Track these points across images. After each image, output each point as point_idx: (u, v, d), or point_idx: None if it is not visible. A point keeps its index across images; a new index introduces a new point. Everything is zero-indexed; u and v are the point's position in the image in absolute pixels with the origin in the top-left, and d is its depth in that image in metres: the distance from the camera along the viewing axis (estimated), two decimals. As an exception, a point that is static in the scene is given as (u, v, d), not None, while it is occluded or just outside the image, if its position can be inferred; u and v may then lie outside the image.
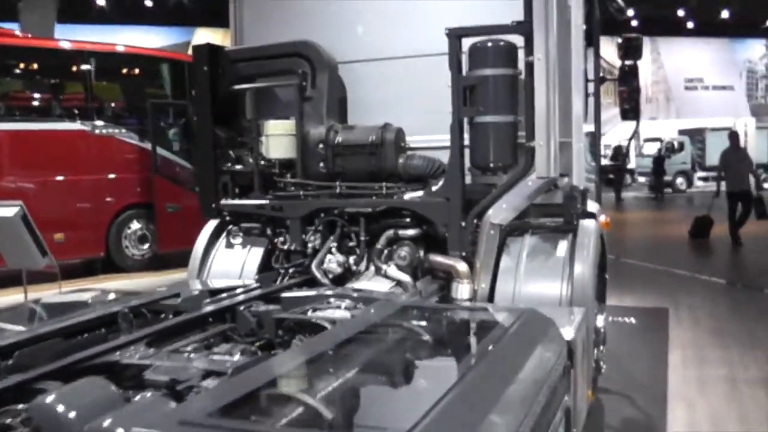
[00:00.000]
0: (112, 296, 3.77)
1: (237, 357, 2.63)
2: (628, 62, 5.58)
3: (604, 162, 28.65)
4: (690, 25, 34.78)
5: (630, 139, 5.82)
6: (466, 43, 4.17)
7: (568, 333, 3.24)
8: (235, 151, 4.91)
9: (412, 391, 2.31)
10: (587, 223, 4.23)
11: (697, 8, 32.00)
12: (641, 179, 29.30)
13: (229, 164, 4.89)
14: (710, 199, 14.38)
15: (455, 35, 4.10)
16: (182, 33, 31.29)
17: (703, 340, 6.70)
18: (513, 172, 4.15)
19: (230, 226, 4.96)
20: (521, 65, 4.11)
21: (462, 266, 4.09)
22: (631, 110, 5.69)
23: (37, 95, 12.49)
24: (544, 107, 3.94)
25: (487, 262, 4.12)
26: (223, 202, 4.88)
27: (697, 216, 14.13)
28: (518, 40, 4.11)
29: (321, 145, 4.57)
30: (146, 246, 11.79)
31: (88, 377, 2.32)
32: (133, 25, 28.71)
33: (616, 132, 33.15)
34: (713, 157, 28.83)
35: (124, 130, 11.74)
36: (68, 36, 22.17)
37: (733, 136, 14.07)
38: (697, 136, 30.07)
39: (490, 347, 2.48)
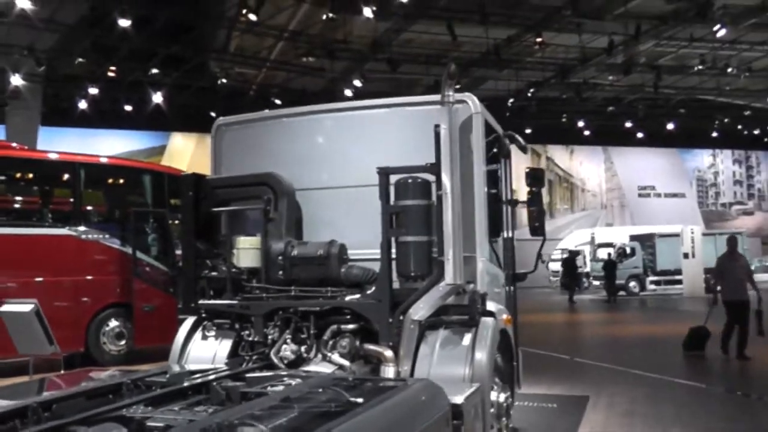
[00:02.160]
0: (116, 373, 4.84)
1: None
2: (534, 189, 6.75)
3: (557, 267, 30.05)
4: (640, 135, 36.87)
5: (538, 253, 6.93)
6: (394, 178, 5.42)
7: (458, 399, 4.41)
8: (211, 261, 6.05)
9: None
10: (486, 320, 5.40)
11: (645, 120, 34.18)
12: (596, 282, 30.69)
13: (207, 271, 6.02)
14: (706, 307, 13.23)
15: (384, 172, 5.34)
16: (158, 137, 32.65)
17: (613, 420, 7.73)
18: (429, 280, 5.31)
19: (205, 322, 6.01)
20: (434, 197, 5.35)
21: (389, 353, 5.20)
22: (538, 228, 6.87)
23: (27, 201, 13.59)
24: (451, 230, 5.18)
25: (408, 350, 5.25)
26: (200, 302, 5.97)
27: (692, 327, 12.71)
28: (432, 177, 5.36)
29: (280, 257, 5.73)
30: (123, 342, 12.64)
31: (105, 424, 3.40)
32: (112, 129, 29.95)
33: (572, 237, 34.88)
34: (664, 262, 30.44)
35: (107, 235, 12.80)
36: (50, 138, 23.49)
37: (732, 240, 12.56)
38: (647, 241, 31.67)
39: (383, 402, 3.59)
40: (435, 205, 5.31)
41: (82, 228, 12.50)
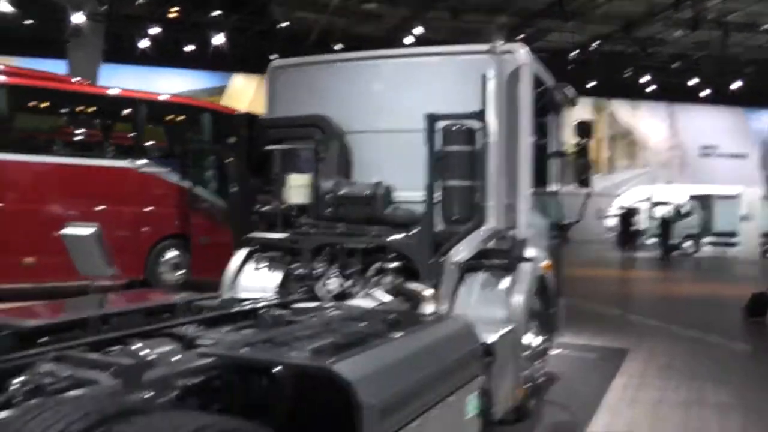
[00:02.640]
0: (173, 294, 5.17)
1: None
2: (581, 141, 6.86)
3: (613, 223, 29.83)
4: (705, 93, 35.94)
5: (583, 204, 7.01)
6: (441, 124, 5.58)
7: (490, 337, 4.63)
8: (263, 197, 6.34)
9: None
10: (525, 265, 5.58)
11: (711, 77, 33.26)
12: (651, 240, 30.38)
13: (259, 206, 6.31)
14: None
15: (431, 119, 5.51)
16: (219, 78, 32.95)
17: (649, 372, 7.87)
18: (471, 224, 5.51)
19: (256, 254, 6.33)
20: (479, 144, 5.50)
21: (428, 292, 5.42)
22: (585, 180, 6.99)
23: (90, 134, 14.11)
24: (494, 177, 5.34)
25: (447, 290, 5.47)
26: (252, 234, 6.28)
27: (754, 292, 12.39)
28: (478, 125, 5.51)
29: (329, 195, 5.99)
30: (180, 272, 13.20)
31: (158, 339, 3.71)
32: (173, 68, 30.31)
33: (630, 194, 34.41)
34: (721, 224, 29.98)
35: (166, 169, 13.26)
36: (111, 75, 24.00)
37: None
38: (705, 202, 31.18)
39: (416, 332, 3.83)
40: (480, 152, 5.46)
41: (142, 161, 12.94)
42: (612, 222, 30.71)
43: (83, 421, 2.07)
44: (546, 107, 6.46)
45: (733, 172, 37.96)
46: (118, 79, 17.98)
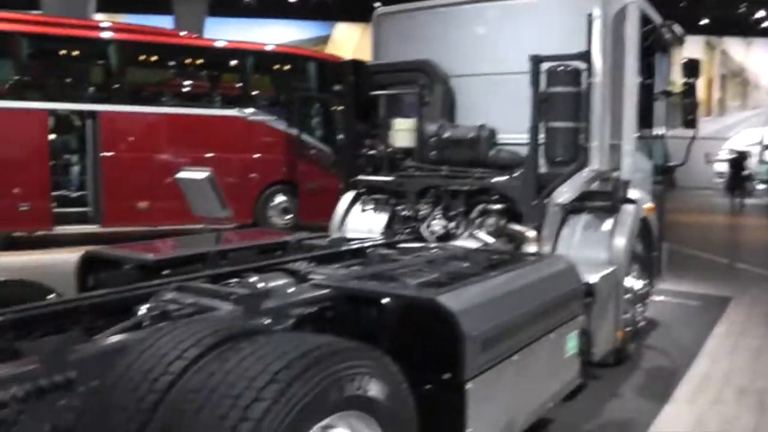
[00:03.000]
0: (284, 234, 5.48)
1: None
2: (689, 80, 6.73)
3: (723, 168, 28.68)
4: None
5: (688, 146, 6.88)
6: (545, 66, 5.60)
7: (593, 278, 4.73)
8: (369, 141, 6.55)
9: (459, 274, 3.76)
10: (627, 207, 5.59)
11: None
12: (761, 186, 29.07)
13: (365, 150, 6.53)
14: None
15: (536, 60, 5.54)
16: (323, 27, 33.23)
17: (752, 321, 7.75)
18: (574, 165, 5.56)
19: (363, 196, 6.58)
20: (584, 84, 5.51)
21: (531, 233, 5.53)
22: (691, 120, 6.87)
23: (200, 85, 14.66)
24: (599, 118, 5.36)
25: (550, 232, 5.55)
26: (359, 177, 6.52)
27: None
28: (583, 65, 5.50)
29: (433, 138, 6.14)
30: (288, 217, 13.70)
31: (273, 273, 3.99)
32: (277, 19, 30.83)
33: (740, 137, 32.93)
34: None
35: (273, 118, 13.69)
36: (216, 28, 24.59)
37: None
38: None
39: (519, 269, 3.98)
40: (584, 92, 5.48)
41: (249, 110, 13.39)
42: (721, 167, 29.47)
43: (212, 337, 2.34)
44: (653, 46, 6.35)
45: None
46: (223, 32, 18.47)
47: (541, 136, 5.63)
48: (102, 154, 12.15)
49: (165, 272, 4.09)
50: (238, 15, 28.44)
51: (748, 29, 34.83)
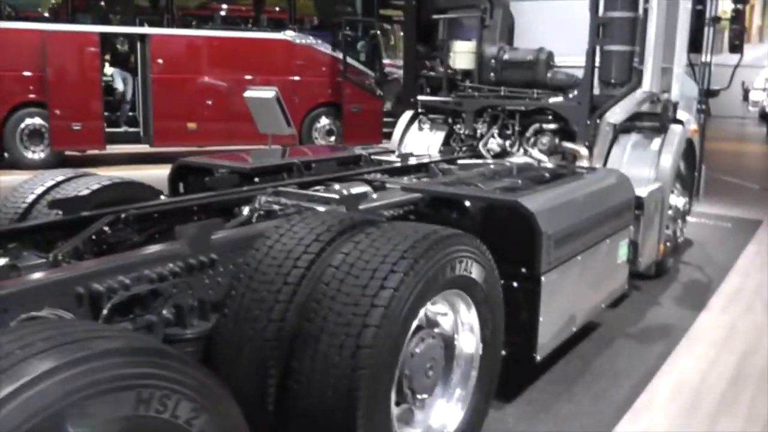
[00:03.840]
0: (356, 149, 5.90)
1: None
2: (738, 6, 6.91)
3: (758, 97, 28.29)
4: None
5: (733, 70, 7.11)
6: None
7: (642, 192, 5.10)
8: (429, 62, 6.86)
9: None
10: (675, 128, 5.91)
11: None
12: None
13: (425, 71, 6.85)
14: None
15: (595, -14, 5.78)
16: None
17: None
18: (627, 87, 5.83)
19: (421, 116, 6.92)
20: (641, 9, 5.75)
21: (584, 151, 5.87)
22: (738, 46, 7.08)
23: (246, 9, 14.90)
24: (653, 41, 5.62)
25: (602, 150, 5.90)
26: (419, 97, 6.86)
27: None
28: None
29: (493, 60, 6.43)
30: (332, 138, 14.07)
31: (353, 182, 4.40)
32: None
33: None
34: None
35: (319, 41, 13.94)
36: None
37: None
38: None
39: (577, 180, 4.37)
40: (641, 17, 5.72)
41: (295, 33, 13.65)
42: (757, 95, 29.06)
43: (340, 225, 2.76)
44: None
45: None
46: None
47: (597, 59, 5.90)
48: (152, 76, 12.54)
49: (257, 180, 4.54)
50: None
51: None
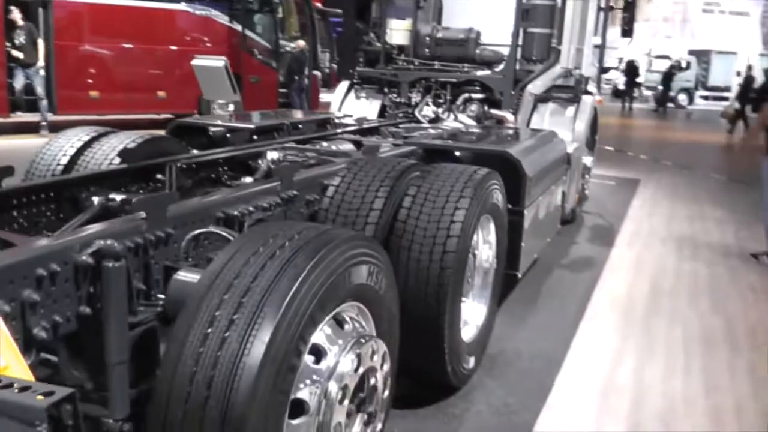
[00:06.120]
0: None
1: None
2: (628, -3, 8.12)
3: (618, 75, 30.81)
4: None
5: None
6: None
7: (570, 149, 6.11)
8: (367, 37, 7.61)
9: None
10: (586, 98, 7.00)
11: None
12: (647, 92, 31.54)
13: (363, 45, 7.60)
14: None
15: (520, -24, 6.73)
16: None
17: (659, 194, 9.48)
18: (546, 63, 6.85)
19: (356, 86, 7.66)
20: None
21: (509, 116, 6.83)
22: (628, 31, 8.30)
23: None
24: (569, 25, 6.65)
25: (524, 116, 6.88)
26: (357, 69, 7.59)
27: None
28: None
29: (427, 38, 7.27)
30: (230, 107, 14.42)
31: (338, 141, 5.12)
32: None
33: (628, 48, 35.05)
34: (716, 79, 31.08)
35: (218, 13, 14.27)
36: None
37: None
38: (703, 57, 32.16)
39: (535, 137, 5.31)
40: (558, 5, 6.73)
41: (195, 4, 13.94)
42: (613, 74, 31.56)
43: (400, 165, 3.48)
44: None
45: (732, 30, 38.50)
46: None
47: (520, 40, 6.87)
48: (55, 43, 12.50)
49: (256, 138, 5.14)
50: None
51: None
